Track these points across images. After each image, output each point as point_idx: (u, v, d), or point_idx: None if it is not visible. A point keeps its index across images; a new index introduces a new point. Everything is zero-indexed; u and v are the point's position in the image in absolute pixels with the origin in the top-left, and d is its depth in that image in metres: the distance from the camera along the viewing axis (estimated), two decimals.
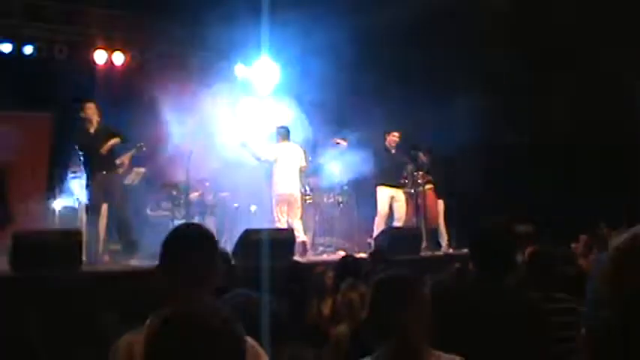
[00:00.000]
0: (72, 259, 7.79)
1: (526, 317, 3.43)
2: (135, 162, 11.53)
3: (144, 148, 11.23)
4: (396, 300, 2.79)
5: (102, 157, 9.77)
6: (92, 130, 9.76)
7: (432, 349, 2.81)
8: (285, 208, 11.08)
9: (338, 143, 11.50)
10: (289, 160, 11.22)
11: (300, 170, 11.40)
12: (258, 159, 11.20)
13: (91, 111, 9.80)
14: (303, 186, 12.31)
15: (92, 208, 9.78)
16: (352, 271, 5.90)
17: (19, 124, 12.53)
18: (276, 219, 11.01)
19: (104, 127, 9.92)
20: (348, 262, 6.43)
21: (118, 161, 10.99)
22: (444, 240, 12.13)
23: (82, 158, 9.86)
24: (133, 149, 11.12)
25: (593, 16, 10.18)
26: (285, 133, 11.42)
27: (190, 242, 2.81)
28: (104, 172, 9.77)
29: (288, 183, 11.14)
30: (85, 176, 10.02)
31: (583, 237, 8.43)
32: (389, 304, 2.79)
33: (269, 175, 11.39)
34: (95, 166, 9.75)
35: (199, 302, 2.64)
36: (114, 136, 9.91)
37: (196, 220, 11.96)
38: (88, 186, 9.79)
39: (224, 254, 4.43)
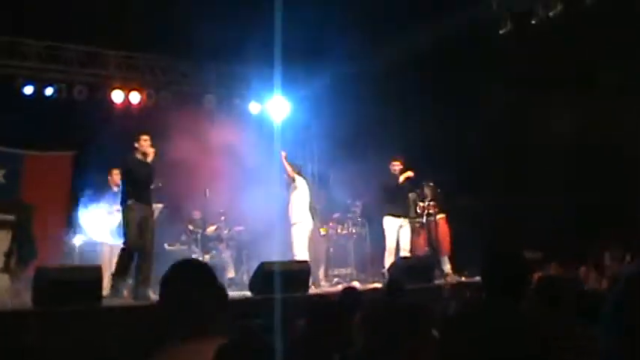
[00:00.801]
0: (92, 294, 7.73)
1: (538, 345, 3.33)
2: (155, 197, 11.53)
3: (160, 184, 11.23)
4: (385, 329, 2.73)
5: (149, 190, 9.66)
6: (149, 160, 9.53)
7: None
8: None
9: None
10: (306, 191, 11.21)
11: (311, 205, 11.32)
12: (287, 176, 11.14)
13: (147, 143, 9.56)
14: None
15: (134, 241, 9.34)
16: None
17: (42, 163, 12.64)
18: (301, 251, 10.85)
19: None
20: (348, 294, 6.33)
21: None
22: (447, 267, 11.97)
23: (128, 187, 9.49)
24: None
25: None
26: (300, 167, 11.38)
27: (188, 279, 2.74)
28: (146, 205, 9.56)
29: (309, 213, 11.15)
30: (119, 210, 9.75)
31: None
32: (379, 334, 2.73)
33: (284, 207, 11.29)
34: (141, 197, 9.48)
35: (200, 336, 2.58)
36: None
37: (213, 253, 11.96)
38: (124, 217, 9.40)
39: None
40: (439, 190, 11.83)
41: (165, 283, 2.76)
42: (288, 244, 11.41)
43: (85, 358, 6.14)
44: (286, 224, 11.15)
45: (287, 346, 3.32)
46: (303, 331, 4.99)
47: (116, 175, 11.13)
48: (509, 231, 10.67)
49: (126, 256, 9.28)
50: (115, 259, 10.62)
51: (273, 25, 9.47)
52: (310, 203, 11.26)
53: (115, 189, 11.11)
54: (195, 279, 2.72)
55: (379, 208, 12.02)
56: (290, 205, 11.18)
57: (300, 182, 11.20)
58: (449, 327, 3.90)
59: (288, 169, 11.12)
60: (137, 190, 9.48)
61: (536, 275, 5.01)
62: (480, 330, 3.40)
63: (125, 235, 9.30)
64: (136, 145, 9.53)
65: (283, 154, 11.16)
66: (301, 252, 10.78)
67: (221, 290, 2.84)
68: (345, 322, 5.47)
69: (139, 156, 9.54)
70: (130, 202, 9.34)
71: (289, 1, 9.26)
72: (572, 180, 10.62)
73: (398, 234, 11.56)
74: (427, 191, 11.91)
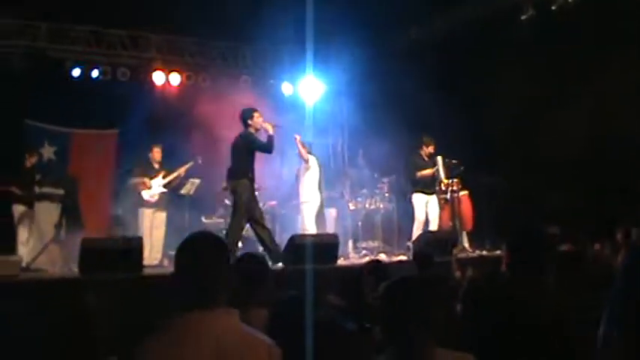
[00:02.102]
0: (133, 263, 7.78)
1: (557, 323, 3.24)
2: (191, 173, 11.56)
3: (199, 161, 11.31)
4: (401, 303, 2.67)
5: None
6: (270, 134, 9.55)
7: (441, 348, 2.66)
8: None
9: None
10: (317, 170, 11.22)
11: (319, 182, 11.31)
12: (301, 157, 11.12)
13: (260, 119, 9.59)
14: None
15: (238, 209, 9.39)
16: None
17: (88, 140, 12.74)
18: (311, 227, 10.82)
19: None
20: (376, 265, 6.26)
21: (176, 173, 11.09)
22: (465, 242, 11.89)
23: (244, 163, 9.47)
24: (190, 162, 11.20)
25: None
26: (311, 146, 11.39)
27: (200, 252, 2.70)
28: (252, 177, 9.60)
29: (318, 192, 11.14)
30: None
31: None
32: (394, 307, 2.67)
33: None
34: (252, 171, 9.59)
35: (205, 307, 2.57)
36: None
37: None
38: (236, 187, 9.41)
39: (260, 257, 4.28)
40: (462, 168, 11.69)
41: (178, 254, 2.75)
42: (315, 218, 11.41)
43: (127, 323, 6.15)
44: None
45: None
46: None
47: (157, 153, 11.20)
48: (527, 208, 10.54)
49: (239, 226, 9.41)
50: (156, 229, 10.75)
51: (305, 5, 9.38)
52: (319, 182, 11.17)
53: (156, 165, 11.18)
54: (203, 251, 2.68)
55: (408, 184, 11.98)
56: (301, 184, 11.19)
57: (313, 162, 11.21)
58: (473, 298, 3.83)
59: (303, 151, 11.08)
60: (252, 166, 9.57)
61: (556, 250, 4.92)
62: (505, 301, 3.33)
63: (239, 207, 9.32)
64: (249, 122, 9.54)
65: (297, 137, 11.08)
66: (311, 228, 10.73)
67: (260, 258, 2.79)
68: (368, 292, 5.43)
69: (252, 131, 9.56)
70: (251, 175, 9.47)
71: None
72: (589, 161, 10.44)
73: (426, 209, 11.53)
74: (447, 167, 11.77)
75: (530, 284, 3.38)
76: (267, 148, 9.55)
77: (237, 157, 9.56)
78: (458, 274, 7.25)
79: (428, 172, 11.56)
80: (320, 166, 11.42)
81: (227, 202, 11.92)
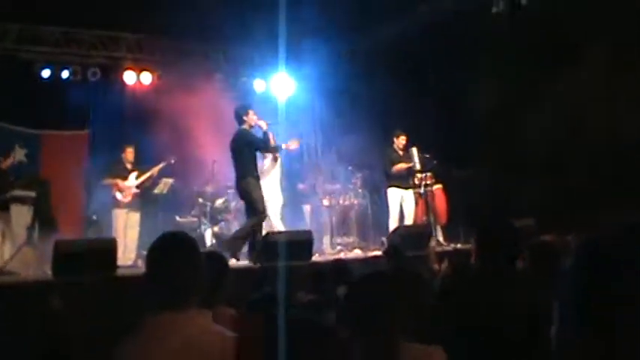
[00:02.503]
0: (107, 264, 7.75)
1: (527, 309, 3.30)
2: (163, 172, 11.55)
3: (172, 161, 11.30)
4: (368, 297, 2.69)
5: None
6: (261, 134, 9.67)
7: (408, 342, 2.68)
8: None
9: (287, 147, 10.47)
10: (279, 168, 11.01)
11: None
12: (271, 150, 10.52)
13: (255, 117, 9.65)
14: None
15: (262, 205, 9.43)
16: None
17: (59, 141, 12.67)
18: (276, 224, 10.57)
19: None
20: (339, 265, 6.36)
21: (149, 173, 11.08)
22: (439, 235, 11.96)
23: (248, 160, 9.48)
24: (162, 162, 11.19)
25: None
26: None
27: (172, 251, 2.70)
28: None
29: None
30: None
31: None
32: (361, 301, 2.70)
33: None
34: (256, 169, 9.62)
35: (177, 307, 2.57)
36: None
37: (222, 225, 11.95)
38: (246, 185, 9.39)
39: (219, 255, 4.30)
40: (435, 162, 11.75)
41: (150, 254, 2.75)
42: (294, 216, 11.39)
43: (101, 325, 6.14)
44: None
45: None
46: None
47: (129, 153, 11.17)
48: (501, 202, 10.62)
49: (258, 222, 9.38)
50: (129, 229, 10.73)
51: (278, 3, 9.40)
52: (280, 180, 11.07)
53: (129, 166, 11.15)
54: (175, 251, 2.69)
55: (382, 180, 12.03)
56: (267, 180, 10.69)
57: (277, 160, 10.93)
58: (445, 291, 3.88)
59: (269, 146, 10.79)
60: (255, 163, 9.64)
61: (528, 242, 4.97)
62: (473, 293, 3.37)
63: (255, 204, 9.31)
64: (245, 118, 9.58)
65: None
66: (279, 226, 10.52)
67: (200, 262, 2.79)
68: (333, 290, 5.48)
69: (247, 128, 9.60)
70: (256, 174, 9.51)
71: None
72: (565, 156, 10.55)
73: (401, 204, 11.60)
74: (419, 158, 11.81)
75: (498, 275, 3.43)
76: (264, 145, 9.67)
77: (239, 157, 9.55)
78: (436, 267, 7.30)
79: (403, 165, 11.62)
80: (282, 164, 11.20)
81: (200, 200, 11.91)
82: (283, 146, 10.17)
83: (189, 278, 2.64)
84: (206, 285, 2.85)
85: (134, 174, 11.20)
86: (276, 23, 9.92)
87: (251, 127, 9.62)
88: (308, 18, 10.90)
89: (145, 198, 11.48)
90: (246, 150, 9.50)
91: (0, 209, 9.88)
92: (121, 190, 11.02)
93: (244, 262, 9.32)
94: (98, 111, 12.48)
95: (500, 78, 11.04)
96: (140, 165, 11.38)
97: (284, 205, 11.13)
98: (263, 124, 9.66)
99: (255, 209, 9.33)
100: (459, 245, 11.26)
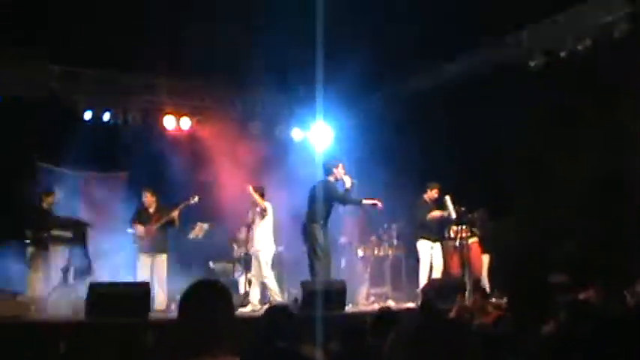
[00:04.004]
0: (140, 308, 7.86)
1: None
2: (200, 218, 11.68)
3: (193, 201, 11.26)
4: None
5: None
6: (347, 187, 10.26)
7: None
8: None
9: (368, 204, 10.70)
10: (272, 216, 11.04)
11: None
12: (258, 206, 10.90)
13: (342, 171, 10.32)
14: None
15: (319, 252, 9.95)
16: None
17: (97, 183, 12.89)
18: (270, 274, 10.73)
19: None
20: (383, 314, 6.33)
21: (174, 214, 11.17)
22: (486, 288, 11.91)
23: (322, 208, 10.05)
24: (183, 203, 11.27)
25: None
26: (264, 192, 11.14)
27: (204, 299, 2.75)
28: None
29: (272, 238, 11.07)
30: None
31: None
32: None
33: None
34: (327, 219, 10.19)
35: (211, 354, 2.60)
36: None
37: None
38: (313, 232, 9.99)
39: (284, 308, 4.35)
40: (470, 215, 11.74)
41: (183, 301, 2.79)
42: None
43: None
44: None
45: None
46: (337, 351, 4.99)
47: (148, 197, 11.26)
48: (537, 255, 10.56)
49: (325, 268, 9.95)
50: (156, 273, 10.78)
51: (316, 53, 9.62)
52: (274, 229, 11.09)
53: (151, 210, 11.24)
54: (209, 299, 2.74)
55: (414, 231, 12.03)
56: (258, 230, 10.94)
57: (270, 208, 10.99)
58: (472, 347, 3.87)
59: (259, 200, 10.86)
60: (329, 213, 10.19)
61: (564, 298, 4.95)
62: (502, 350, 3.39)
63: (318, 249, 9.90)
64: (334, 170, 10.26)
65: (250, 187, 10.92)
66: (270, 275, 10.68)
67: (234, 311, 2.83)
68: (380, 341, 5.47)
69: (332, 180, 10.25)
70: (324, 222, 10.09)
71: (334, 31, 9.34)
72: (597, 208, 10.51)
73: (431, 256, 11.58)
74: (454, 213, 11.79)
75: (529, 331, 3.44)
76: (345, 199, 10.26)
77: (316, 203, 10.04)
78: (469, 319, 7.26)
79: (438, 213, 11.63)
80: (275, 212, 11.18)
81: (235, 246, 11.98)
82: (364, 201, 10.50)
83: (222, 325, 2.69)
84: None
85: (155, 218, 11.25)
86: (315, 72, 10.17)
87: (336, 180, 10.21)
88: (345, 66, 11.08)
89: (179, 241, 11.59)
90: (325, 200, 10.05)
91: (40, 248, 10.10)
92: (141, 235, 11.13)
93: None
94: (137, 154, 12.68)
95: (534, 130, 11.08)
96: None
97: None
98: (348, 180, 10.23)
99: (316, 255, 9.86)
100: (493, 299, 11.17)
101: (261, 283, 10.65)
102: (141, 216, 11.29)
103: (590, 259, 10.13)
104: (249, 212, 11.11)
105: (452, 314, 7.26)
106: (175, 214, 11.19)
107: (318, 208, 9.99)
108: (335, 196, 10.12)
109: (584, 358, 3.22)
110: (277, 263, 12.25)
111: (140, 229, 11.11)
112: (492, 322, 6.04)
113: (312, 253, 9.95)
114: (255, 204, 10.92)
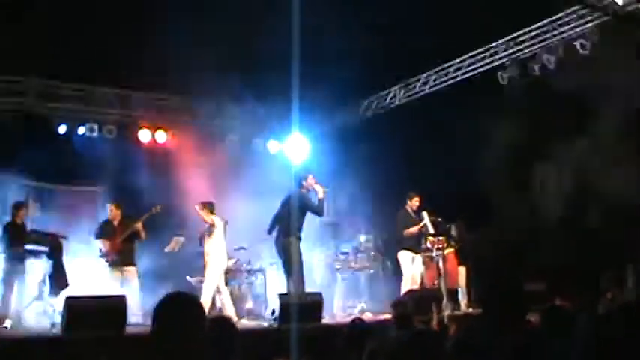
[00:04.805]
0: (116, 322, 7.83)
1: None
2: (176, 231, 11.68)
3: (155, 211, 11.26)
4: None
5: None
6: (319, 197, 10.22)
7: None
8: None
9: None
10: (222, 230, 11.13)
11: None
12: (205, 222, 11.02)
13: (312, 181, 10.32)
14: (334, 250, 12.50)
15: (295, 264, 9.94)
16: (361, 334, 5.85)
17: (73, 197, 12.82)
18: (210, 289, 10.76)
19: None
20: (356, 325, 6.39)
21: (138, 226, 11.15)
22: (464, 301, 12.03)
23: (295, 221, 10.04)
24: (145, 214, 11.30)
25: None
26: (213, 206, 11.23)
27: (176, 312, 2.78)
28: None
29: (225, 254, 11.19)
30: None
31: None
32: None
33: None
34: (300, 230, 10.18)
35: None
36: None
37: (232, 284, 12.00)
38: (289, 245, 9.96)
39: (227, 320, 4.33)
40: (448, 226, 11.87)
41: (155, 313, 2.82)
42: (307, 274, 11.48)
43: None
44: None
45: None
46: None
47: (112, 210, 11.42)
48: (514, 264, 10.68)
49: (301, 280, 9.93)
50: (127, 285, 10.75)
51: (291, 66, 9.67)
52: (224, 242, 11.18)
53: (115, 223, 11.23)
54: (179, 312, 2.78)
55: (394, 242, 12.10)
56: (207, 245, 11.02)
57: (218, 222, 11.08)
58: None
59: (205, 217, 10.95)
60: (302, 225, 10.20)
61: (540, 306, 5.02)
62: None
63: (292, 263, 9.90)
64: (304, 182, 10.32)
65: (196, 206, 11.06)
66: (209, 290, 10.67)
67: (205, 324, 2.86)
68: (354, 352, 5.52)
69: (305, 192, 10.28)
70: (299, 235, 10.09)
71: (308, 44, 9.39)
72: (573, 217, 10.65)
73: (413, 266, 11.68)
74: (430, 224, 11.90)
75: (503, 338, 3.49)
76: (319, 210, 10.24)
77: (289, 216, 10.04)
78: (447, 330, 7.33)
79: (415, 229, 11.74)
80: (225, 226, 11.29)
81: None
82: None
83: (194, 338, 2.73)
84: (218, 350, 2.91)
85: (119, 231, 11.25)
86: (290, 84, 10.22)
87: (308, 191, 10.25)
88: (323, 79, 11.15)
89: (155, 256, 11.59)
90: (299, 211, 10.08)
91: (16, 262, 10.03)
92: (107, 249, 11.09)
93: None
94: (113, 168, 12.65)
95: (513, 141, 11.21)
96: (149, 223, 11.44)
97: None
98: (320, 190, 10.23)
99: (291, 268, 9.88)
100: (470, 310, 11.27)
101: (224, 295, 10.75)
102: (105, 230, 11.30)
103: (565, 268, 10.28)
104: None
105: (433, 325, 7.32)
106: (139, 225, 11.17)
107: (292, 221, 10.00)
108: (309, 208, 10.18)
109: None
110: (254, 275, 12.30)
111: (105, 243, 11.11)
112: (466, 331, 6.10)
113: (288, 266, 10.00)
114: (203, 220, 11.01)
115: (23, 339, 7.93)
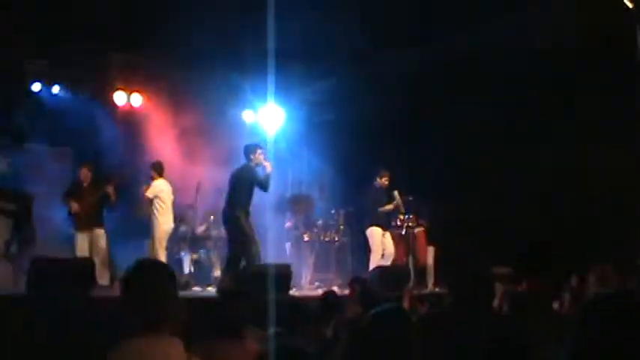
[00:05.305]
0: (83, 284, 7.76)
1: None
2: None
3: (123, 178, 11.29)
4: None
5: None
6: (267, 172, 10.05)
7: None
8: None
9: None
10: (169, 195, 11.31)
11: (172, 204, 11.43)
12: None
13: (262, 156, 10.11)
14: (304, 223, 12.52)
15: (248, 238, 9.83)
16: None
17: (44, 156, 12.69)
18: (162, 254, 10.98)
19: None
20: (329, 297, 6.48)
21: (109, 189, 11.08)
22: (430, 280, 12.15)
23: (249, 194, 9.99)
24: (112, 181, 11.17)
25: None
26: (161, 169, 11.41)
27: (147, 279, 2.77)
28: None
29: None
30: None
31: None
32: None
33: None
34: (249, 204, 10.04)
35: (152, 333, 2.64)
36: None
37: (201, 252, 11.99)
38: (238, 219, 9.83)
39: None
40: (417, 204, 11.95)
41: (126, 280, 2.82)
42: (275, 246, 11.49)
43: (72, 344, 6.17)
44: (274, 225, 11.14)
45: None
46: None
47: (84, 172, 11.19)
48: (482, 246, 10.75)
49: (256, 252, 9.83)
50: (95, 247, 10.72)
51: (267, 32, 9.61)
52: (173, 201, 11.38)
53: (85, 185, 11.14)
54: (153, 278, 2.77)
55: (364, 218, 12.12)
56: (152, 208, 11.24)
57: (164, 185, 11.31)
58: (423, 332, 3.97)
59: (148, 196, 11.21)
60: (250, 199, 10.04)
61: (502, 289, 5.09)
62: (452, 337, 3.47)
63: (245, 238, 9.76)
64: (252, 156, 10.08)
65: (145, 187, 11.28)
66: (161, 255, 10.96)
67: (176, 292, 2.87)
68: (325, 325, 5.55)
69: (253, 166, 10.09)
70: (248, 209, 9.95)
71: (283, 7, 9.32)
72: (548, 197, 10.74)
73: (383, 243, 11.72)
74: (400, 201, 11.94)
75: (468, 319, 3.53)
76: (266, 185, 10.06)
77: (238, 189, 9.97)
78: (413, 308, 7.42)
79: (390, 206, 11.78)
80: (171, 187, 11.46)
81: (182, 227, 11.92)
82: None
83: (165, 305, 2.73)
84: None
85: (89, 193, 11.15)
86: (265, 51, 10.14)
87: (256, 165, 10.07)
88: (298, 48, 11.09)
89: (124, 220, 11.52)
90: (246, 185, 9.98)
91: None
92: (76, 211, 11.01)
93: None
94: (85, 129, 12.51)
95: (490, 118, 11.24)
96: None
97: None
98: (268, 166, 10.07)
99: (247, 241, 9.76)
100: (437, 289, 11.37)
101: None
102: (75, 190, 11.17)
103: (533, 252, 10.35)
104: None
105: (405, 303, 7.38)
106: (110, 189, 11.02)
107: (241, 194, 9.95)
108: (257, 181, 10.04)
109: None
110: (224, 242, 12.28)
111: (74, 205, 10.99)
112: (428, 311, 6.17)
113: (239, 242, 9.87)
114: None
115: None
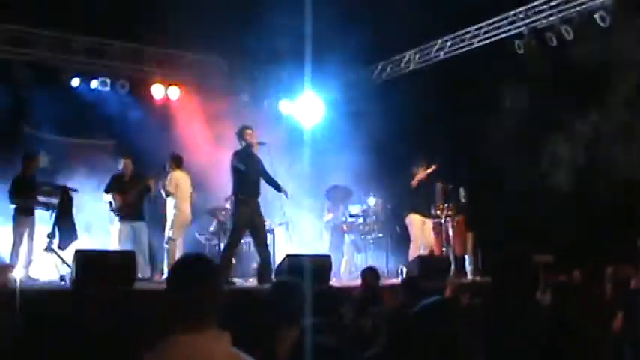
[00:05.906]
0: (125, 277, 7.86)
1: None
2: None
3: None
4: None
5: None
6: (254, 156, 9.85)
7: None
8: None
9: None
10: (188, 186, 11.34)
11: (191, 197, 11.40)
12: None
13: (254, 136, 9.90)
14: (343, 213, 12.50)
15: (238, 230, 9.69)
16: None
17: (84, 150, 12.84)
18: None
19: None
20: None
21: (150, 182, 11.26)
22: (470, 268, 12.06)
23: (242, 181, 9.65)
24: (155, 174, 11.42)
25: None
26: (179, 162, 11.44)
27: (193, 274, 2.74)
28: (255, 198, 9.80)
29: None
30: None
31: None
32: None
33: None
34: (253, 190, 9.77)
35: (197, 328, 2.62)
36: None
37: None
38: (237, 207, 9.62)
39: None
40: (458, 192, 11.88)
41: (171, 275, 2.82)
42: (314, 237, 11.46)
43: (116, 335, 6.25)
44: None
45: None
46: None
47: (126, 165, 11.34)
48: (524, 234, 10.66)
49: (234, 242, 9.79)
50: (135, 241, 10.81)
51: (304, 24, 9.56)
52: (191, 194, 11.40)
53: (127, 179, 11.24)
54: (196, 274, 2.73)
55: (404, 206, 12.06)
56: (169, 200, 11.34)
57: (182, 177, 11.36)
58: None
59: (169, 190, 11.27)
60: (255, 186, 9.80)
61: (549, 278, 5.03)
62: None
63: (233, 223, 9.68)
64: (242, 140, 9.83)
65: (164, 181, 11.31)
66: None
67: (221, 285, 2.86)
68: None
69: (239, 149, 9.82)
70: (242, 196, 9.60)
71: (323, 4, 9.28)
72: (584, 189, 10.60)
73: (423, 231, 11.65)
74: (442, 191, 11.90)
75: (514, 311, 3.47)
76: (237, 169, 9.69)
77: (232, 175, 9.77)
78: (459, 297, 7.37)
79: (422, 174, 11.73)
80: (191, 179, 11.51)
81: (220, 218, 11.98)
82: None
83: (210, 301, 2.70)
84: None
85: (132, 186, 11.25)
86: (304, 43, 10.09)
87: (250, 146, 9.79)
88: (336, 40, 11.05)
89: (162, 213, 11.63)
90: (256, 173, 9.83)
91: (26, 214, 10.06)
92: (118, 204, 11.09)
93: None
94: (125, 122, 12.64)
95: (527, 112, 11.11)
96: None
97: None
98: (255, 145, 9.88)
99: (232, 228, 9.69)
100: (477, 278, 11.30)
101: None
102: (116, 184, 11.25)
103: (574, 241, 10.25)
104: None
105: (447, 293, 7.34)
106: (152, 182, 11.18)
107: (234, 181, 9.70)
108: (231, 165, 9.76)
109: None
110: None
111: (116, 197, 11.09)
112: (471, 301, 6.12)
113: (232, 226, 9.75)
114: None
115: (32, 290, 7.94)
